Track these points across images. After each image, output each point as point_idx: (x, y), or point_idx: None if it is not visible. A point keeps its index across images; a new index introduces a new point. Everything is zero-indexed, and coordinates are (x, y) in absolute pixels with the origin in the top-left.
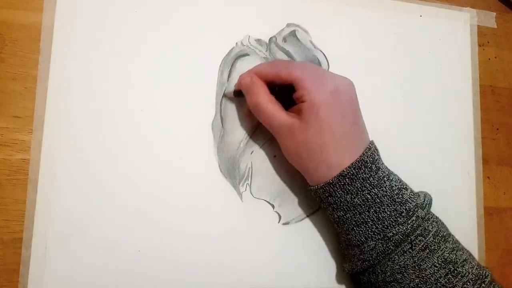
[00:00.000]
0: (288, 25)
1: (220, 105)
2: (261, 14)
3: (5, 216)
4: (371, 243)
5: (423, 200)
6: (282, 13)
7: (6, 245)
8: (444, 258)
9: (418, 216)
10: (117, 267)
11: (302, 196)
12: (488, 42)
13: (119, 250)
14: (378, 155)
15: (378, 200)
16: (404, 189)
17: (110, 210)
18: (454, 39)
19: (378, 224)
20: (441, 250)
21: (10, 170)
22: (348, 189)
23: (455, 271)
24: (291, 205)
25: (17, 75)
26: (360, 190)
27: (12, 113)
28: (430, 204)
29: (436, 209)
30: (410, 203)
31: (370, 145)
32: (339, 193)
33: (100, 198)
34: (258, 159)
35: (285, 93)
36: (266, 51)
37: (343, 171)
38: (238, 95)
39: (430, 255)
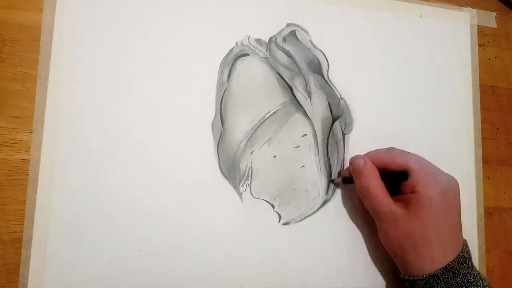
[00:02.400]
0: (288, 25)
1: (220, 105)
2: (261, 14)
3: (5, 216)
4: None
5: None
6: (282, 13)
7: (6, 245)
8: None
9: None
10: (117, 267)
11: (302, 196)
12: (488, 42)
13: (119, 250)
14: (470, 254)
15: None
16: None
17: (110, 210)
18: (454, 39)
19: None
20: None
21: (10, 170)
22: (450, 283)
23: None
24: (291, 205)
25: (17, 75)
26: (460, 285)
27: (12, 113)
28: None
29: None
30: None
31: (465, 242)
32: (441, 286)
33: (100, 198)
34: (258, 159)
35: (393, 180)
36: (266, 51)
37: (449, 265)
38: (347, 182)
39: None
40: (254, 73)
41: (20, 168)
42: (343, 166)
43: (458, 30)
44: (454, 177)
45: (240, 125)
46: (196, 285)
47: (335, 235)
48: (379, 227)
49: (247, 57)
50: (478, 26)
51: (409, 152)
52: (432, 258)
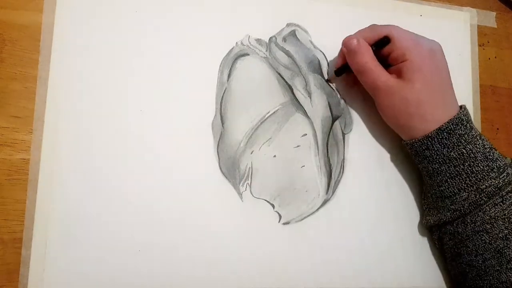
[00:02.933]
0: (288, 25)
1: (220, 105)
2: (261, 14)
3: (5, 216)
4: (464, 194)
5: (510, 161)
6: (282, 13)
7: (6, 245)
8: None
9: (509, 173)
10: (117, 267)
11: (302, 196)
12: (488, 42)
13: (119, 250)
14: (470, 116)
15: (473, 155)
16: (494, 149)
17: (110, 210)
18: (454, 39)
19: (471, 177)
20: None
21: (10, 170)
22: (445, 143)
23: None
24: (291, 205)
25: (17, 75)
26: (456, 144)
27: (12, 113)
28: None
29: None
30: (501, 161)
31: (464, 106)
32: (436, 147)
33: (100, 198)
34: (258, 159)
35: (379, 48)
36: (266, 51)
37: (442, 125)
38: (340, 73)
39: None
40: (254, 73)
41: (20, 168)
42: (343, 166)
43: (458, 30)
44: None
45: (240, 125)
46: (196, 285)
47: (335, 235)
48: (378, 101)
49: (247, 57)
50: (478, 26)
51: (389, 24)
52: (428, 120)
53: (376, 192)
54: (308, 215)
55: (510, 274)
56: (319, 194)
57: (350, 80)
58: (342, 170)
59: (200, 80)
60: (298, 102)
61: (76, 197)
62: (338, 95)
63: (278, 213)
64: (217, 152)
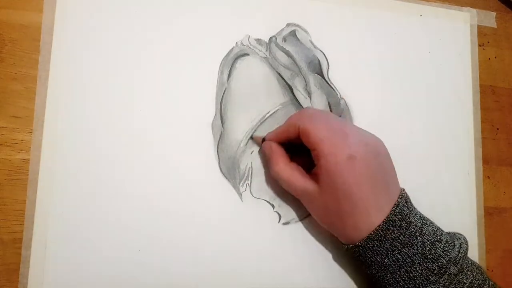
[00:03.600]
0: (288, 25)
1: (220, 105)
2: (261, 14)
3: (5, 216)
4: None
5: (457, 252)
6: (282, 13)
7: (6, 245)
8: None
9: (450, 273)
10: (117, 267)
11: None
12: (488, 42)
13: (119, 250)
14: (409, 206)
15: (409, 260)
16: (438, 241)
17: (110, 210)
18: (454, 39)
19: (409, 284)
20: None
21: (10, 170)
22: (378, 250)
23: None
24: (291, 205)
25: (17, 75)
26: (390, 250)
27: (12, 113)
28: (465, 253)
29: (436, 209)
30: (444, 258)
31: (399, 199)
32: (369, 254)
33: (100, 198)
34: (258, 159)
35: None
36: (266, 51)
37: (371, 234)
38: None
39: None
40: (254, 73)
41: (20, 168)
42: None
43: (458, 30)
44: (454, 177)
45: (240, 125)
46: (196, 285)
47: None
48: (306, 207)
49: (247, 57)
50: (478, 26)
51: (307, 116)
52: (356, 228)
53: None
54: (308, 215)
55: None
56: None
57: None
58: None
59: (200, 80)
60: (298, 102)
61: (76, 197)
62: (338, 95)
63: (278, 213)
64: (217, 152)
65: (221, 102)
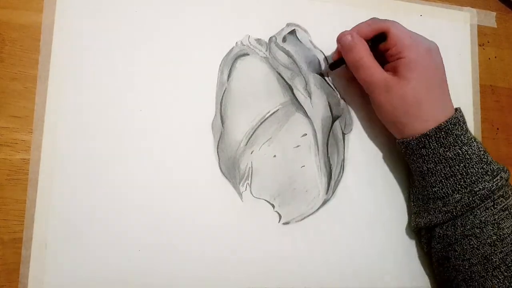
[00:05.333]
0: (288, 25)
1: (220, 105)
2: (261, 14)
3: (5, 216)
4: (457, 196)
5: (503, 166)
6: (282, 13)
7: (6, 245)
8: None
9: (502, 177)
10: (117, 267)
11: (302, 196)
12: (488, 42)
13: (119, 250)
14: (465, 119)
15: (468, 157)
16: (487, 153)
17: (110, 210)
18: (454, 39)
19: (466, 178)
20: None
21: (10, 170)
22: (443, 142)
23: None
24: (291, 205)
25: (17, 75)
26: (453, 145)
27: (12, 113)
28: (508, 172)
29: None
30: (494, 165)
31: (459, 108)
32: (433, 145)
33: (100, 198)
34: (258, 159)
35: (376, 44)
36: (266, 50)
37: (441, 124)
38: (335, 67)
39: (509, 216)
40: (254, 72)
41: (20, 168)
42: (343, 166)
43: (458, 30)
44: None
45: (240, 125)
46: (196, 285)
47: (335, 235)
48: (373, 98)
49: (247, 57)
50: (478, 26)
51: (388, 19)
52: (425, 119)
53: (376, 192)
54: (308, 215)
55: (495, 281)
56: (319, 194)
57: (345, 74)
58: (342, 170)
59: (200, 80)
60: (298, 102)
61: (76, 197)
62: (338, 95)
63: (278, 213)
64: (217, 152)
65: (221, 102)
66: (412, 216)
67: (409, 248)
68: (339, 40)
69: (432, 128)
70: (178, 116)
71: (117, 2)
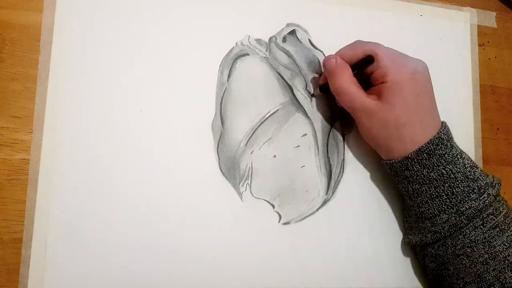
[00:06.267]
0: (288, 25)
1: (220, 105)
2: (261, 14)
3: (5, 216)
4: (444, 216)
5: (492, 180)
6: (282, 13)
7: (6, 245)
8: None
9: (489, 193)
10: (117, 267)
11: (302, 196)
12: (488, 42)
13: (119, 250)
14: (450, 133)
15: (453, 176)
16: (475, 167)
17: (110, 210)
18: (454, 39)
19: (452, 199)
20: (510, 231)
21: (10, 170)
22: (425, 163)
23: None
24: (291, 205)
25: (17, 75)
26: (436, 165)
27: (12, 113)
28: (499, 185)
29: None
30: (482, 181)
31: (444, 124)
32: (416, 167)
33: (100, 198)
34: (258, 159)
35: (361, 68)
36: (266, 51)
37: (422, 146)
38: (324, 91)
39: (500, 233)
40: (254, 73)
41: (20, 168)
42: (343, 166)
43: (458, 30)
44: None
45: (240, 125)
46: (196, 284)
47: (335, 235)
48: (357, 122)
49: (247, 57)
50: (478, 26)
51: (373, 42)
52: (407, 141)
53: (376, 192)
54: (308, 215)
55: None
56: (319, 194)
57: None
58: (342, 170)
59: (200, 80)
60: (298, 102)
61: (76, 197)
62: None
63: (278, 213)
64: (217, 152)
65: (221, 102)
66: (405, 232)
67: (408, 248)
68: (324, 63)
69: (414, 151)
70: (178, 116)
71: (117, 2)
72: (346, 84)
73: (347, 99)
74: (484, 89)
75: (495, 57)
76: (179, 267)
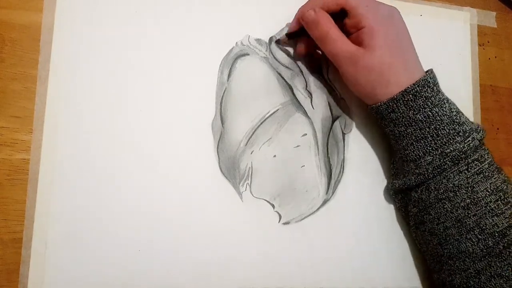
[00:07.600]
0: (288, 25)
1: (220, 105)
2: (261, 14)
3: (5, 216)
4: (428, 158)
5: (477, 126)
6: (282, 13)
7: (6, 245)
8: (496, 186)
9: (474, 138)
10: (117, 267)
11: (302, 196)
12: (488, 42)
13: (119, 250)
14: (437, 81)
15: (438, 118)
16: (461, 113)
17: (110, 210)
18: (454, 39)
19: (437, 140)
20: (494, 178)
21: (10, 170)
22: (411, 105)
23: (505, 200)
24: (291, 205)
25: (17, 75)
26: (422, 107)
27: (12, 113)
28: (484, 132)
29: None
30: (467, 126)
31: (431, 70)
32: (401, 109)
33: (100, 198)
34: (258, 159)
35: (336, 20)
36: (266, 50)
37: (408, 87)
38: (291, 37)
39: (483, 180)
40: (254, 72)
41: (20, 168)
42: (343, 166)
43: (458, 29)
44: None
45: (240, 125)
46: (196, 285)
47: (335, 235)
48: (342, 70)
49: (247, 57)
50: (478, 26)
51: None
52: (391, 84)
53: (376, 191)
54: (308, 215)
55: (469, 244)
56: (319, 194)
57: (303, 45)
58: (342, 170)
59: (200, 80)
60: (298, 102)
61: (76, 197)
62: (338, 95)
63: (278, 213)
64: (217, 152)
65: (221, 102)
66: (390, 177)
67: (408, 248)
68: (302, 16)
69: (399, 92)
70: (178, 116)
71: (117, 2)
72: (332, 31)
73: (333, 45)
74: (484, 89)
75: (495, 57)
76: (179, 267)
